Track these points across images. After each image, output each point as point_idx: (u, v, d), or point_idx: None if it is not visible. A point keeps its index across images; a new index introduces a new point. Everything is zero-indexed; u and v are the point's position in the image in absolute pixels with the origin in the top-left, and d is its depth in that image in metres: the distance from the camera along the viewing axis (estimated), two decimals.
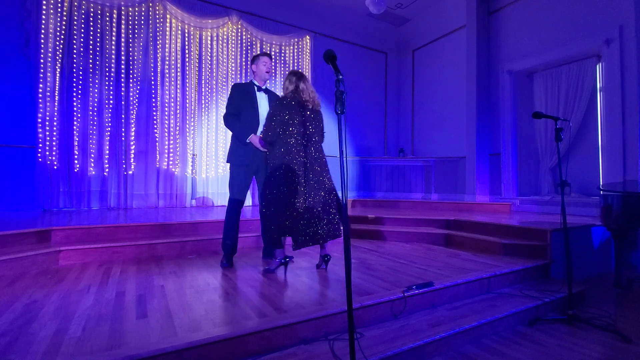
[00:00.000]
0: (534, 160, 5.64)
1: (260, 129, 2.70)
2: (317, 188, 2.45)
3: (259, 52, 6.16)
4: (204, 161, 5.59)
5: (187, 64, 5.47)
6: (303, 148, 2.45)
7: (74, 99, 4.66)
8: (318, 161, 2.51)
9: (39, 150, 4.41)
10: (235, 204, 2.74)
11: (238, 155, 2.70)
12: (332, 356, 1.51)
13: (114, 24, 4.95)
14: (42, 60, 4.42)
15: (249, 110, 2.71)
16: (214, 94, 5.72)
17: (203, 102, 5.60)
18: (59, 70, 4.54)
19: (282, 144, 2.44)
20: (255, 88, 2.80)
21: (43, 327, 1.55)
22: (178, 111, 5.39)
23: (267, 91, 2.86)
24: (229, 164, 2.77)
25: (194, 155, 5.55)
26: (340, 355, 1.50)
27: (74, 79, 4.66)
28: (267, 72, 2.82)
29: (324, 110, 2.89)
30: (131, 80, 5.06)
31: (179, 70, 5.41)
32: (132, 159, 5.06)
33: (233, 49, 5.89)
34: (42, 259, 2.60)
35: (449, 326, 1.85)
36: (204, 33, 5.65)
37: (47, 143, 4.46)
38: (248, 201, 5.79)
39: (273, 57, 6.33)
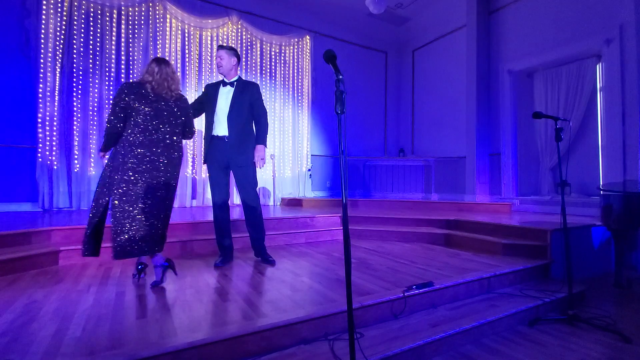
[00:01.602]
0: (534, 160, 5.63)
1: (219, 125, 2.64)
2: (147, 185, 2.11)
3: (260, 52, 6.17)
4: None
5: (187, 64, 5.47)
6: (149, 142, 2.10)
7: (74, 98, 4.66)
8: (163, 157, 2.16)
9: (39, 150, 4.40)
10: (215, 204, 2.71)
11: (205, 153, 2.71)
12: (332, 356, 1.51)
13: (114, 24, 4.95)
14: (42, 60, 4.42)
15: (209, 108, 2.72)
16: None
17: None
18: (59, 70, 4.54)
19: (126, 137, 2.07)
20: (222, 84, 2.73)
21: (43, 327, 1.55)
22: None
23: (234, 84, 2.71)
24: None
25: (193, 155, 5.55)
26: (340, 355, 1.50)
27: (74, 79, 4.65)
28: (218, 66, 2.69)
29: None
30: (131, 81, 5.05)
31: (179, 70, 5.40)
32: None
33: None
34: (42, 259, 2.59)
35: (449, 326, 1.85)
36: (204, 33, 5.65)
37: (47, 143, 4.46)
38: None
39: (273, 56, 6.33)
